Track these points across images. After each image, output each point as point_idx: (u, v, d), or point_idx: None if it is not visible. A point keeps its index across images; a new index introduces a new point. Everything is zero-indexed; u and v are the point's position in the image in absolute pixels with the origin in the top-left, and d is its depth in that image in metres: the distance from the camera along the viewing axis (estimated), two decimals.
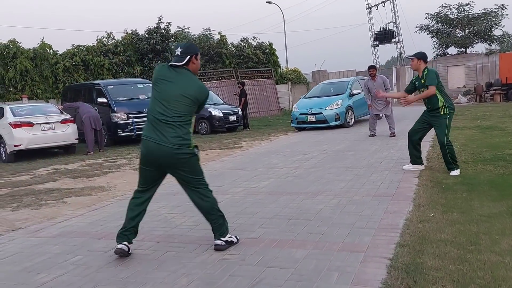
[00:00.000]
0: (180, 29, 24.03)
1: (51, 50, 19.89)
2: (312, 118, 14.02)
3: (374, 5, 34.51)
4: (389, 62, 55.81)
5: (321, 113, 13.90)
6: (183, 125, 3.61)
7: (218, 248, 3.76)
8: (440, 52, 32.85)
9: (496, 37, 31.11)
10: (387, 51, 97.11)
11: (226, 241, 3.79)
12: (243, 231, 4.26)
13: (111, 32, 21.69)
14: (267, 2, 31.99)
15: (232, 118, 16.52)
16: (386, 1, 33.73)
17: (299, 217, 4.60)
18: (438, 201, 4.79)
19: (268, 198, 5.51)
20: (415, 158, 6.56)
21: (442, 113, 6.11)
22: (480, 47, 31.45)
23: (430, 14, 31.80)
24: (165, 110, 3.56)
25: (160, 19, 21.86)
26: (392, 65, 33.44)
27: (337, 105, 14.03)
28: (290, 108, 25.31)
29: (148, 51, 21.09)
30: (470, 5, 30.48)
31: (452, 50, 32.66)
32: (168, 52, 21.24)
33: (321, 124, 13.91)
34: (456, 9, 30.80)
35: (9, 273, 3.61)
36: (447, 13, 31.01)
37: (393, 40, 33.99)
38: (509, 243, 3.49)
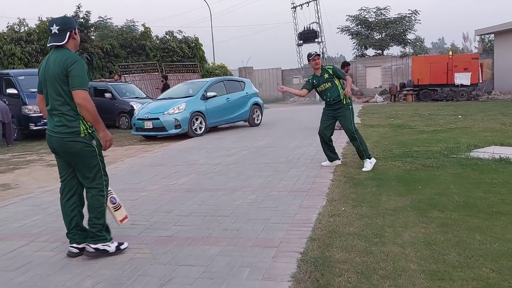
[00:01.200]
0: (101, 18, 23.03)
1: None
2: (148, 124, 11.37)
3: (299, 5, 35.30)
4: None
5: (158, 118, 11.25)
6: (65, 111, 3.33)
7: (85, 254, 3.53)
8: (360, 53, 34.45)
9: (409, 41, 33.19)
10: (310, 50, 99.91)
11: (96, 248, 3.49)
12: (156, 229, 4.15)
13: (24, 19, 20.27)
14: None
15: None
16: (310, 2, 34.64)
17: (216, 213, 4.57)
18: (350, 196, 4.99)
19: (186, 195, 5.42)
20: (331, 154, 6.79)
21: (344, 103, 6.49)
22: (395, 50, 33.58)
23: (351, 16, 33.24)
24: (48, 100, 3.40)
25: (78, 7, 20.78)
26: None
27: (179, 109, 11.41)
28: None
29: None
30: (387, 9, 32.31)
31: (370, 52, 34.40)
32: (87, 42, 20.26)
33: (159, 132, 11.39)
34: (374, 12, 32.47)
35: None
36: (366, 16, 32.60)
37: (316, 40, 34.99)
38: (410, 235, 3.70)
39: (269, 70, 37.61)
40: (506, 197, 4.65)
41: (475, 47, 38.23)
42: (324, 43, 35.01)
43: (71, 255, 3.55)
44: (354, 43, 34.13)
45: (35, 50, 19.30)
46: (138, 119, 11.70)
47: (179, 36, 24.65)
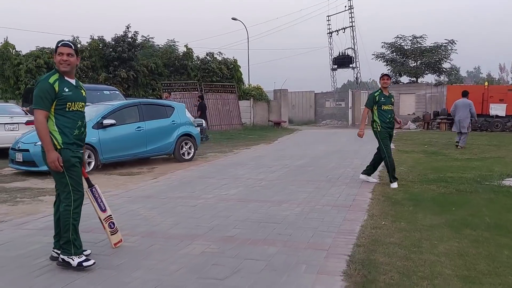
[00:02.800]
0: (145, 38, 24.32)
1: (14, 50, 19.66)
2: (19, 157, 8.88)
3: (335, 31, 36.14)
4: (345, 85, 58.04)
5: (28, 150, 8.72)
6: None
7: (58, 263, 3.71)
8: (394, 80, 34.73)
9: (444, 70, 33.30)
10: (344, 76, 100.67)
11: (63, 259, 3.64)
12: (219, 231, 4.77)
13: (77, 37, 21.74)
14: (232, 19, 32.83)
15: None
16: (346, 28, 35.41)
17: (268, 221, 5.16)
18: (389, 213, 5.50)
19: (239, 204, 6.04)
20: (373, 169, 7.73)
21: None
22: (430, 78, 33.84)
23: (386, 43, 33.68)
24: None
25: (127, 28, 22.13)
26: (349, 89, 34.98)
27: None
28: (251, 123, 26.06)
29: (114, 58, 21.23)
30: (423, 38, 32.60)
31: (405, 79, 34.64)
32: (134, 60, 21.48)
33: (30, 168, 8.80)
34: (410, 40, 32.81)
35: (5, 258, 3.94)
36: (402, 44, 32.96)
37: (350, 65, 35.63)
38: (445, 247, 4.19)
39: (302, 92, 38.27)
40: None
41: None
42: (358, 68, 35.59)
43: (51, 258, 3.83)
44: (388, 69, 34.48)
45: (86, 66, 20.60)
46: (12, 148, 9.25)
47: (219, 58, 25.70)
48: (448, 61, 32.50)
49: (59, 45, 3.71)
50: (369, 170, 7.69)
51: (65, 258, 3.61)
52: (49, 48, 20.54)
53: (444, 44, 31.98)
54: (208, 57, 25.42)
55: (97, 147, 9.23)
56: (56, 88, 3.60)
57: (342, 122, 32.37)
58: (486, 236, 4.58)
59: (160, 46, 26.14)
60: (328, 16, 37.14)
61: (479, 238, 4.50)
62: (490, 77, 47.04)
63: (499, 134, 21.29)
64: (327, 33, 37.17)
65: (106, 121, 9.49)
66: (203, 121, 17.95)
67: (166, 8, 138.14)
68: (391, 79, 7.36)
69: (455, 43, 31.73)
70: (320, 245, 4.26)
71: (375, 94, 7.43)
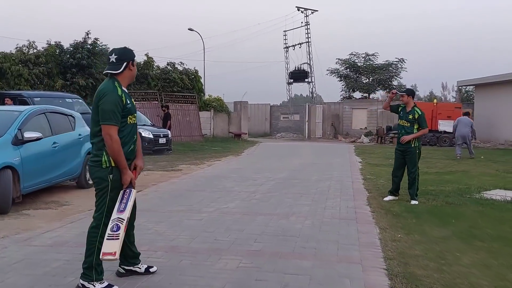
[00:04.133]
0: (104, 45, 23.56)
1: None
2: None
3: (291, 45, 36.83)
4: (298, 98, 59.08)
5: None
6: (96, 142, 3.42)
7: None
8: (347, 95, 35.90)
9: (394, 87, 34.86)
10: (300, 89, 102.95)
11: (83, 285, 3.36)
12: (241, 245, 4.68)
13: (33, 42, 20.69)
14: (188, 29, 32.68)
15: (162, 140, 16.56)
16: (302, 43, 36.18)
17: (285, 234, 5.13)
18: (396, 225, 5.64)
19: (245, 218, 5.96)
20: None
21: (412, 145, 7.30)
22: (381, 94, 35.39)
23: (341, 60, 34.84)
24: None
25: (87, 34, 21.34)
26: (306, 102, 35.71)
27: None
28: (212, 134, 25.87)
29: (72, 65, 20.38)
30: (375, 55, 34.08)
31: (357, 94, 35.90)
32: (93, 68, 20.74)
33: None
34: (363, 57, 34.15)
35: (34, 277, 3.65)
36: (355, 61, 34.23)
37: (306, 80, 36.41)
38: (468, 259, 4.36)
39: (258, 105, 38.58)
40: None
41: (453, 96, 40.28)
42: (313, 83, 36.42)
43: (118, 274, 3.69)
44: (342, 85, 35.64)
45: (42, 73, 19.64)
46: None
47: (180, 68, 25.40)
48: (397, 78, 34.08)
49: (135, 56, 3.59)
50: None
51: (85, 284, 3.34)
52: (2, 52, 19.42)
53: (394, 62, 33.54)
54: (169, 67, 25.05)
55: (19, 171, 6.35)
56: (124, 101, 3.40)
57: (298, 135, 32.93)
58: (497, 247, 4.81)
59: None
60: (284, 31, 37.84)
61: (491, 249, 4.72)
62: (433, 95, 49.67)
63: (450, 149, 22.45)
64: (284, 48, 37.83)
65: (28, 135, 6.62)
66: (169, 132, 17.64)
67: (123, 16, 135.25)
68: (404, 95, 7.37)
69: (404, 62, 33.38)
70: (350, 258, 4.29)
71: (400, 106, 7.47)
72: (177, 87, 24.25)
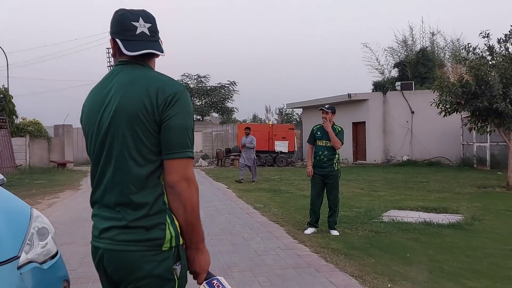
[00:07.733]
0: None
1: None
2: None
3: (109, 66, 34.15)
4: None
5: None
6: (144, 201, 1.66)
7: None
8: None
9: (227, 109, 35.17)
10: None
11: None
12: None
13: None
14: None
15: None
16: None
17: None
18: (364, 270, 4.58)
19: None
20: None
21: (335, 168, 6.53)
22: (215, 117, 35.20)
23: None
24: (103, 170, 1.74)
25: None
26: None
27: None
28: (27, 165, 21.56)
29: None
30: (207, 77, 33.82)
31: None
32: None
33: None
34: (195, 79, 33.56)
35: None
36: (188, 82, 33.39)
37: None
38: None
39: (79, 129, 34.58)
40: (495, 261, 4.95)
41: (275, 118, 42.64)
42: None
43: None
44: None
45: None
46: None
47: None
48: (230, 101, 34.44)
49: None
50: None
51: None
52: None
53: (226, 85, 33.82)
54: None
55: None
56: None
57: None
58: (488, 284, 4.17)
59: None
60: (108, 48, 34.85)
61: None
62: (257, 117, 51.91)
63: (291, 169, 23.15)
64: (107, 66, 34.82)
65: None
66: None
67: None
68: (325, 111, 6.59)
69: (236, 84, 33.94)
70: None
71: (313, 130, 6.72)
72: None
